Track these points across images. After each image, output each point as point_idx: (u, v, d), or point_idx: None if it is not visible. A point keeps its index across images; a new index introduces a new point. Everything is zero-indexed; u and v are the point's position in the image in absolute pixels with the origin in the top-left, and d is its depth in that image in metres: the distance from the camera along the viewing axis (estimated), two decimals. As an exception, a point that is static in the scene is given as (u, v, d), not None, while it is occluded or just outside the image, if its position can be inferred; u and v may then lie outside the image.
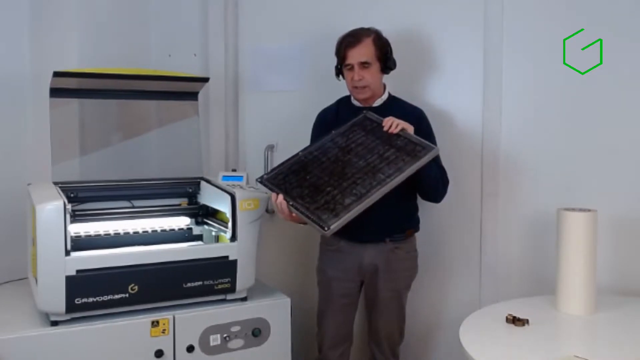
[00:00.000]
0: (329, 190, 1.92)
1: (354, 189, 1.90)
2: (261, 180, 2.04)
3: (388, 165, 1.94)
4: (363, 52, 2.15)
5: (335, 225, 1.81)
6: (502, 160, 2.39)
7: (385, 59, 2.20)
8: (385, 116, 2.09)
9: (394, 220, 2.21)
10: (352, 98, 2.29)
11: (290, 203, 1.93)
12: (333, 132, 2.14)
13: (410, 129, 2.04)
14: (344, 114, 2.26)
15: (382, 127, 2.06)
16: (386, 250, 2.22)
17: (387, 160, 1.96)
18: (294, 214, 1.94)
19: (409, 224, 2.29)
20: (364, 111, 2.15)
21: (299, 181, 2.00)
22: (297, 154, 2.10)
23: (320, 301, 2.37)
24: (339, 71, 2.27)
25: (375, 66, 2.18)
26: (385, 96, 2.27)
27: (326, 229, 1.81)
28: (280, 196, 1.96)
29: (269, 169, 2.08)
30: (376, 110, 2.20)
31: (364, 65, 2.15)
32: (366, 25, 2.22)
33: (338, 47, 2.21)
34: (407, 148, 1.98)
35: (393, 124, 2.04)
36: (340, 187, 1.92)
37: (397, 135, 2.02)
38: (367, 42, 2.16)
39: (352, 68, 2.17)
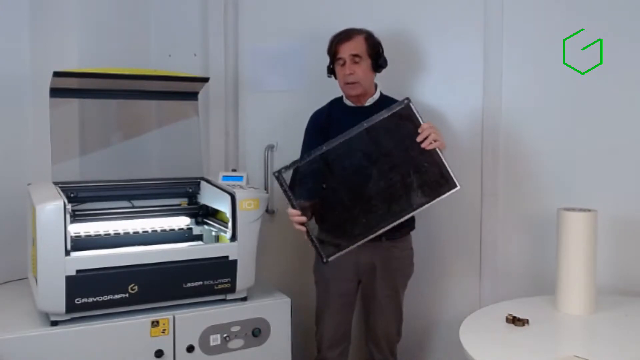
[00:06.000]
0: (340, 212, 1.94)
1: (366, 217, 1.93)
2: (278, 175, 1.93)
3: (406, 195, 1.93)
4: (354, 46, 2.17)
5: (333, 257, 1.95)
6: (502, 160, 2.39)
7: (377, 57, 2.21)
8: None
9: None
10: (344, 98, 2.29)
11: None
12: (365, 123, 1.92)
13: (443, 146, 1.93)
14: (336, 115, 2.27)
15: (418, 132, 1.91)
16: (383, 249, 2.22)
17: (406, 187, 1.92)
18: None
19: (405, 222, 2.28)
20: (407, 99, 1.92)
21: (315, 187, 1.96)
22: (322, 148, 1.93)
23: (318, 301, 2.37)
24: (331, 70, 2.28)
25: (367, 63, 2.19)
26: (377, 95, 2.27)
27: (324, 260, 1.94)
28: (301, 218, 1.95)
29: (289, 163, 1.92)
30: (368, 109, 2.18)
31: (355, 59, 2.16)
32: (365, 26, 2.23)
33: (330, 45, 2.23)
34: (431, 178, 1.91)
35: (429, 138, 1.90)
36: (353, 210, 1.93)
37: (429, 152, 1.91)
38: (358, 38, 2.19)
39: (343, 63, 2.18)
